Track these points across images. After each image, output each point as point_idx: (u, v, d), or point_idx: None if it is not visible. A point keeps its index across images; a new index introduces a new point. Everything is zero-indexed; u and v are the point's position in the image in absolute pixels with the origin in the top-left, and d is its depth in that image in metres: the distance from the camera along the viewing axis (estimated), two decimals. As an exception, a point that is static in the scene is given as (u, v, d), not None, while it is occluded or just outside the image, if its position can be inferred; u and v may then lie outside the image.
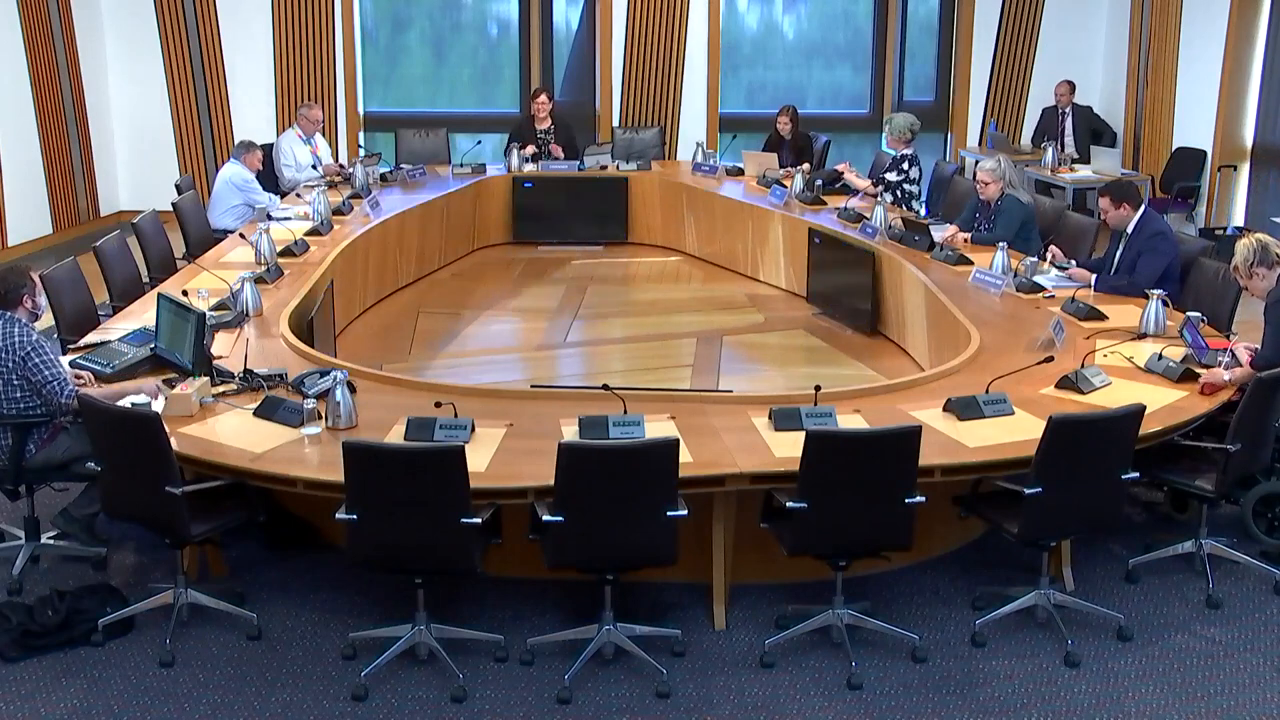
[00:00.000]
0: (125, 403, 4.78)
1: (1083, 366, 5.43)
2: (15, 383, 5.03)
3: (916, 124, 9.20)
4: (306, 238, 7.86)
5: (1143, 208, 6.85)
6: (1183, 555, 5.32)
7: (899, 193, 9.06)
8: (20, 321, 5.08)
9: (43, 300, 5.30)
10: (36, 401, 5.07)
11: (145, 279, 7.52)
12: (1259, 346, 5.50)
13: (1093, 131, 11.96)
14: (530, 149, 10.51)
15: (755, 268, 9.46)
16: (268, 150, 10.12)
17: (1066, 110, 11.88)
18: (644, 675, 4.54)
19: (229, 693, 4.44)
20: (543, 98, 10.78)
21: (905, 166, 9.10)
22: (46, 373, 5.01)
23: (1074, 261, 7.19)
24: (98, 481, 4.78)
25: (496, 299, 9.16)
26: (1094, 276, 6.89)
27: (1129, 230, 6.81)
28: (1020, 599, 4.87)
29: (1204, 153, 11.02)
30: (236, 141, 9.52)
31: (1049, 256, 7.29)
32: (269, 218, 8.28)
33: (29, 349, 5.01)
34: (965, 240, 7.87)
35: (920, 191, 9.24)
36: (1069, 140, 11.84)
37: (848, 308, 8.17)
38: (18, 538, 5.32)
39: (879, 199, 8.64)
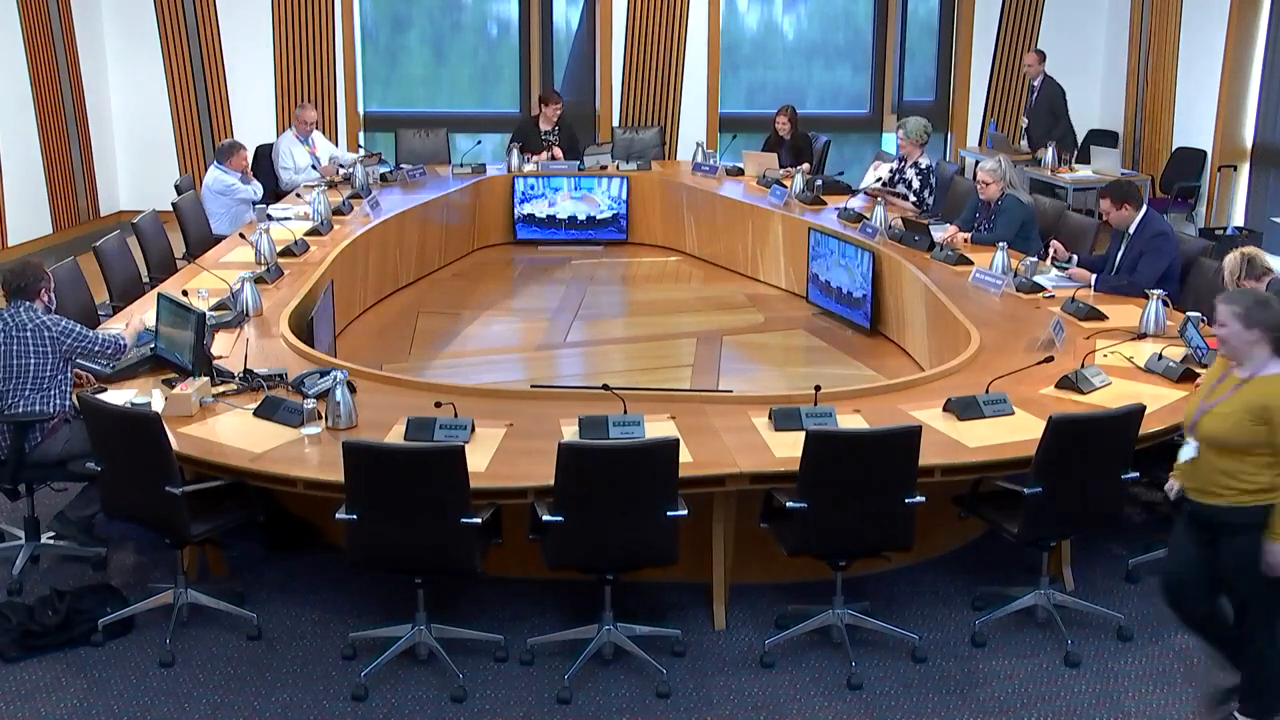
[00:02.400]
0: (125, 403, 4.79)
1: (1083, 366, 5.43)
2: (46, 362, 5.06)
3: (930, 126, 9.19)
4: (306, 238, 7.86)
5: (1144, 208, 6.85)
6: (1183, 555, 5.31)
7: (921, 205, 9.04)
8: (36, 310, 5.14)
9: (54, 297, 5.34)
10: (59, 380, 5.13)
11: (145, 279, 7.52)
12: None
13: (1053, 115, 11.09)
14: (543, 155, 10.54)
15: (755, 268, 9.46)
16: (265, 150, 10.13)
17: (1035, 84, 11.28)
18: (644, 675, 4.55)
19: (229, 693, 4.45)
20: (554, 105, 10.74)
21: (934, 183, 9.08)
22: (89, 332, 5.23)
23: (1075, 258, 7.18)
24: (98, 481, 4.78)
25: (496, 299, 9.16)
26: (1094, 276, 6.89)
27: (1130, 231, 6.81)
28: (1020, 599, 4.87)
29: (1204, 153, 11.02)
30: (216, 146, 9.48)
31: (1051, 252, 7.28)
32: (269, 217, 8.27)
33: (62, 322, 5.14)
34: (965, 240, 7.88)
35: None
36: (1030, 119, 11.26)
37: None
38: (18, 538, 5.32)
39: (881, 198, 8.64)
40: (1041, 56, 11.23)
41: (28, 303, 5.14)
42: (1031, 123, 11.16)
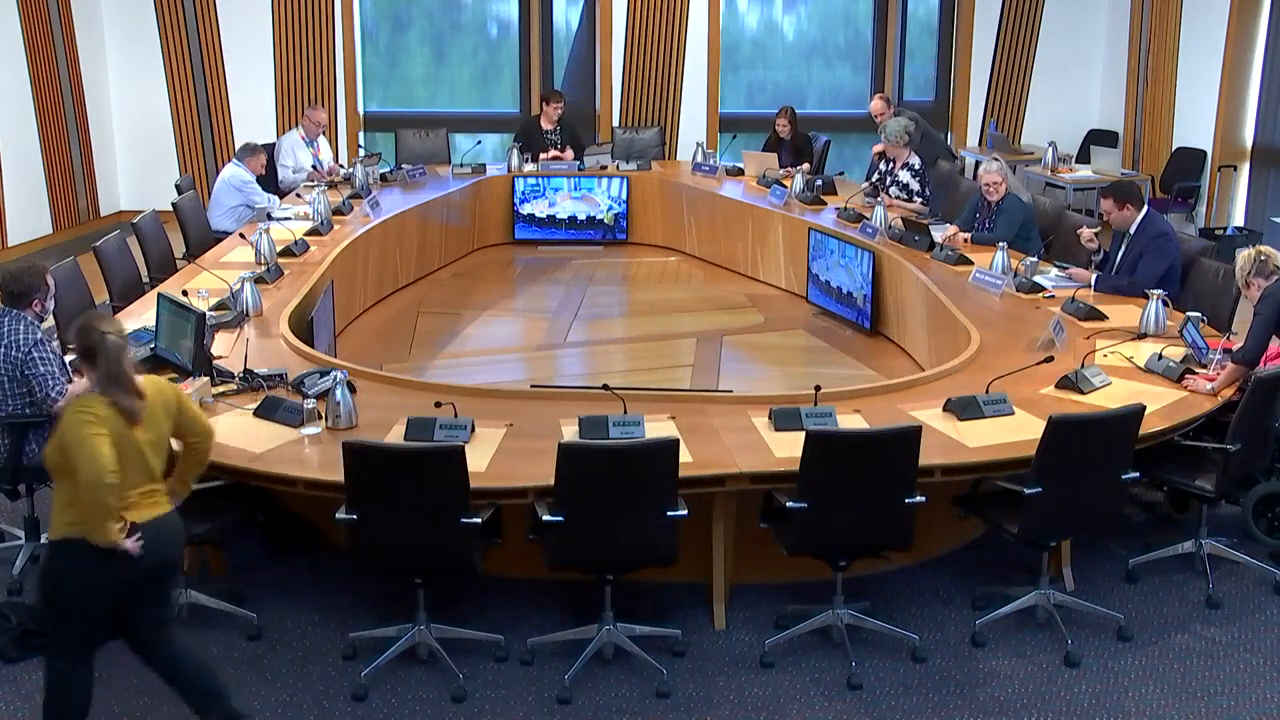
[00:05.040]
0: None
1: (1083, 366, 5.43)
2: (20, 378, 5.03)
3: (911, 125, 9.15)
4: (306, 238, 7.86)
5: (1145, 208, 6.84)
6: (1183, 555, 5.32)
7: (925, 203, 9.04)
8: (26, 319, 5.09)
9: (51, 304, 5.26)
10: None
11: (145, 279, 7.52)
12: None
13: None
14: (549, 154, 10.54)
15: (755, 268, 9.46)
16: (270, 150, 10.14)
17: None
18: (644, 675, 4.55)
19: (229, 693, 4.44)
20: (555, 105, 10.73)
21: (927, 179, 9.06)
22: (41, 369, 5.01)
23: (1103, 251, 7.13)
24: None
25: (496, 299, 9.16)
26: (1094, 276, 6.89)
27: (1131, 231, 6.80)
28: (1020, 599, 4.87)
29: (1204, 153, 11.02)
30: (240, 144, 9.51)
31: (1085, 236, 7.15)
32: (269, 218, 8.28)
33: (31, 345, 5.01)
34: (965, 240, 7.88)
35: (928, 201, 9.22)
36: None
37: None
38: (18, 538, 5.33)
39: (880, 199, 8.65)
40: (887, 101, 10.34)
41: (16, 311, 5.07)
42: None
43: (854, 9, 13.06)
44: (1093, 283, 6.82)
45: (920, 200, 8.98)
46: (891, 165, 9.22)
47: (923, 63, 13.10)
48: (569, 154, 10.62)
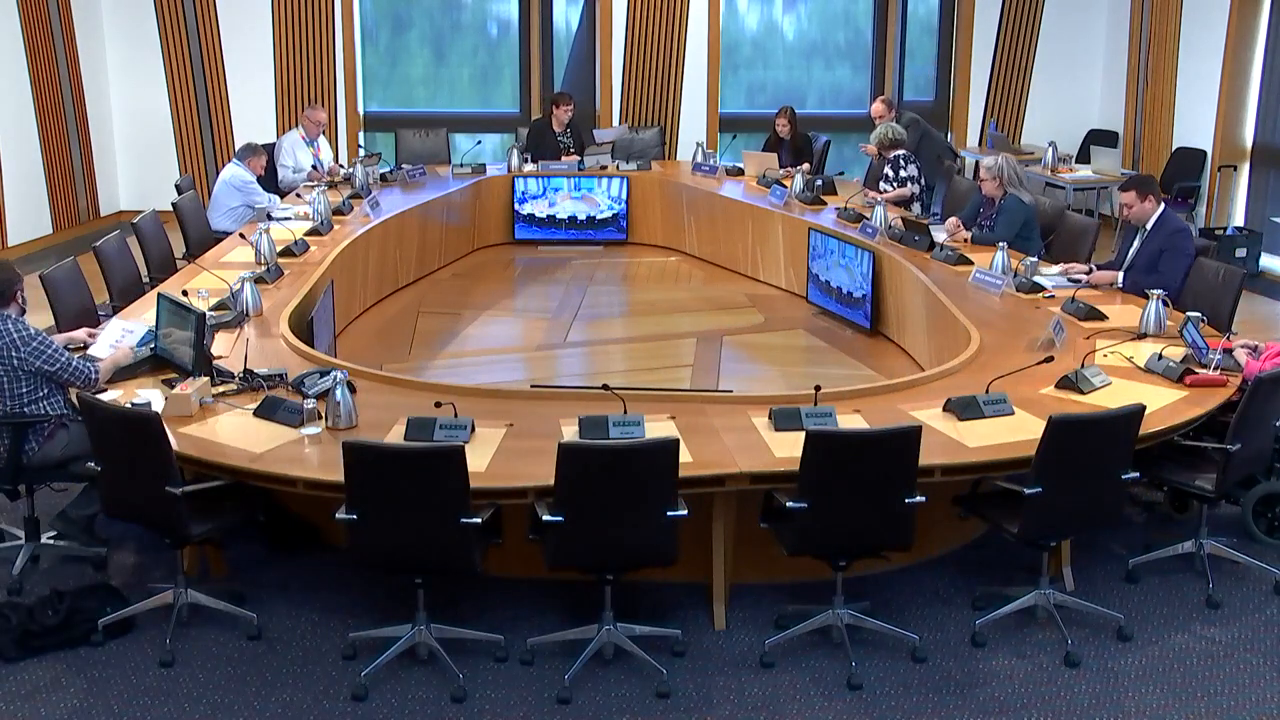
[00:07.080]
0: (125, 403, 4.79)
1: (1083, 366, 5.43)
2: (20, 378, 5.03)
3: (895, 129, 9.18)
4: (306, 238, 7.86)
5: (1162, 205, 6.82)
6: (1183, 555, 5.32)
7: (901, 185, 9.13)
8: (12, 318, 5.08)
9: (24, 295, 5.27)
10: (38, 396, 5.09)
11: (145, 279, 7.52)
12: (1249, 342, 5.56)
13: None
14: (572, 157, 10.56)
15: (755, 268, 9.46)
16: (270, 151, 10.14)
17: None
18: (644, 675, 4.54)
19: (229, 693, 4.45)
20: (565, 107, 10.74)
21: (906, 164, 9.12)
22: (61, 358, 5.08)
23: (1093, 269, 7.12)
24: (97, 481, 4.78)
25: (496, 299, 9.16)
26: (1120, 274, 6.84)
27: (1147, 226, 6.77)
28: (1020, 599, 4.87)
29: (1204, 153, 11.03)
30: (241, 144, 9.51)
31: (1063, 270, 7.16)
32: (269, 218, 8.28)
33: (31, 339, 5.03)
34: (966, 240, 7.88)
35: (922, 191, 9.26)
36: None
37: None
38: (18, 538, 5.32)
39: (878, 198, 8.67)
40: (889, 104, 10.03)
41: (2, 310, 5.07)
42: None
43: (854, 9, 13.07)
44: (1121, 283, 6.78)
45: (895, 186, 9.03)
46: (881, 159, 9.36)
47: (923, 63, 13.10)
48: (568, 157, 10.64)
